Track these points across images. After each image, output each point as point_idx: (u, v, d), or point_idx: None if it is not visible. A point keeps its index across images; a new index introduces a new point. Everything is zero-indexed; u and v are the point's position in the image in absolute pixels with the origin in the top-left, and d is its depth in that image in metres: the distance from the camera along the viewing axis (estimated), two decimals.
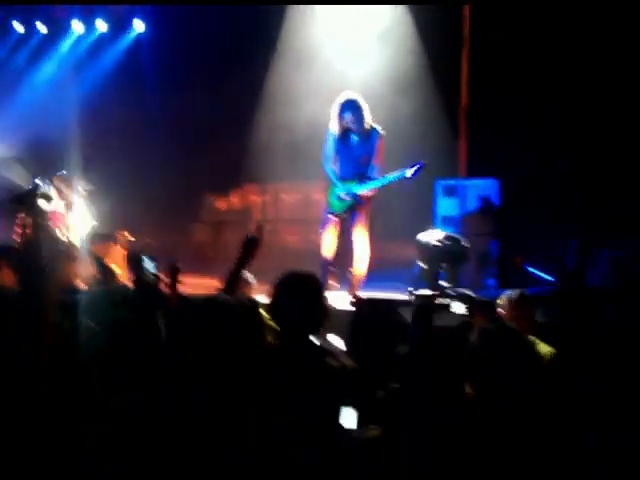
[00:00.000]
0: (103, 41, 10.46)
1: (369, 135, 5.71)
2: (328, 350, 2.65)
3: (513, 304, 3.91)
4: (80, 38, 10.48)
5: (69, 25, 10.33)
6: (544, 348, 3.45)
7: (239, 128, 9.27)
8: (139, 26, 10.33)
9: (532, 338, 3.40)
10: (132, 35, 10.46)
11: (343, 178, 5.85)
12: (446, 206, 7.70)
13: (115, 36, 10.47)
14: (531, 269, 6.96)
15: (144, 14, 10.24)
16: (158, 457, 2.30)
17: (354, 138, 5.77)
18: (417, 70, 8.36)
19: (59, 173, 7.14)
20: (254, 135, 9.17)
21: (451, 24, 8.15)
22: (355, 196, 5.79)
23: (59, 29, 10.43)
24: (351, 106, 5.66)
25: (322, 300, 2.63)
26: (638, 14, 7.08)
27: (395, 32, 8.49)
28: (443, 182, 7.79)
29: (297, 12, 8.85)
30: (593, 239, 6.96)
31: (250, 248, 3.41)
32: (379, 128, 5.74)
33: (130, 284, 4.94)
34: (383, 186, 5.77)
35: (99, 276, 4.44)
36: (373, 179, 5.75)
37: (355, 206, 5.83)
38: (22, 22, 10.44)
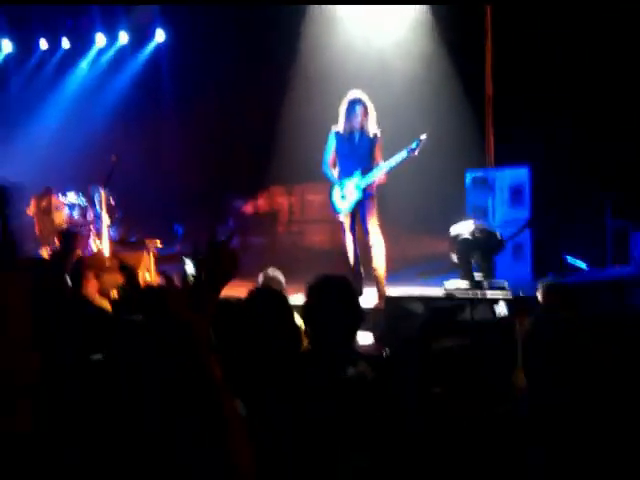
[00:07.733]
0: (124, 52, 10.59)
1: (372, 135, 5.75)
2: (355, 357, 2.54)
3: (544, 295, 3.80)
4: (101, 51, 10.63)
5: (92, 39, 10.48)
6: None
7: (263, 129, 9.26)
8: (160, 35, 10.41)
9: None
10: (152, 45, 10.56)
11: (347, 175, 5.83)
12: (477, 196, 7.55)
13: (136, 47, 10.59)
14: (567, 257, 6.79)
15: (164, 23, 10.32)
16: None
17: (357, 136, 5.78)
18: (441, 63, 8.30)
19: (104, 189, 7.28)
20: (278, 136, 9.15)
21: (473, 16, 8.04)
22: (361, 190, 5.76)
23: (82, 43, 10.59)
24: (360, 104, 5.71)
25: (357, 304, 2.51)
26: None
27: (418, 30, 8.42)
28: (472, 173, 7.66)
29: (317, 15, 8.80)
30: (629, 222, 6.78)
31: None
32: (379, 131, 5.77)
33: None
34: (389, 171, 5.73)
35: (128, 285, 4.40)
36: (376, 167, 5.74)
37: (362, 201, 5.80)
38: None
